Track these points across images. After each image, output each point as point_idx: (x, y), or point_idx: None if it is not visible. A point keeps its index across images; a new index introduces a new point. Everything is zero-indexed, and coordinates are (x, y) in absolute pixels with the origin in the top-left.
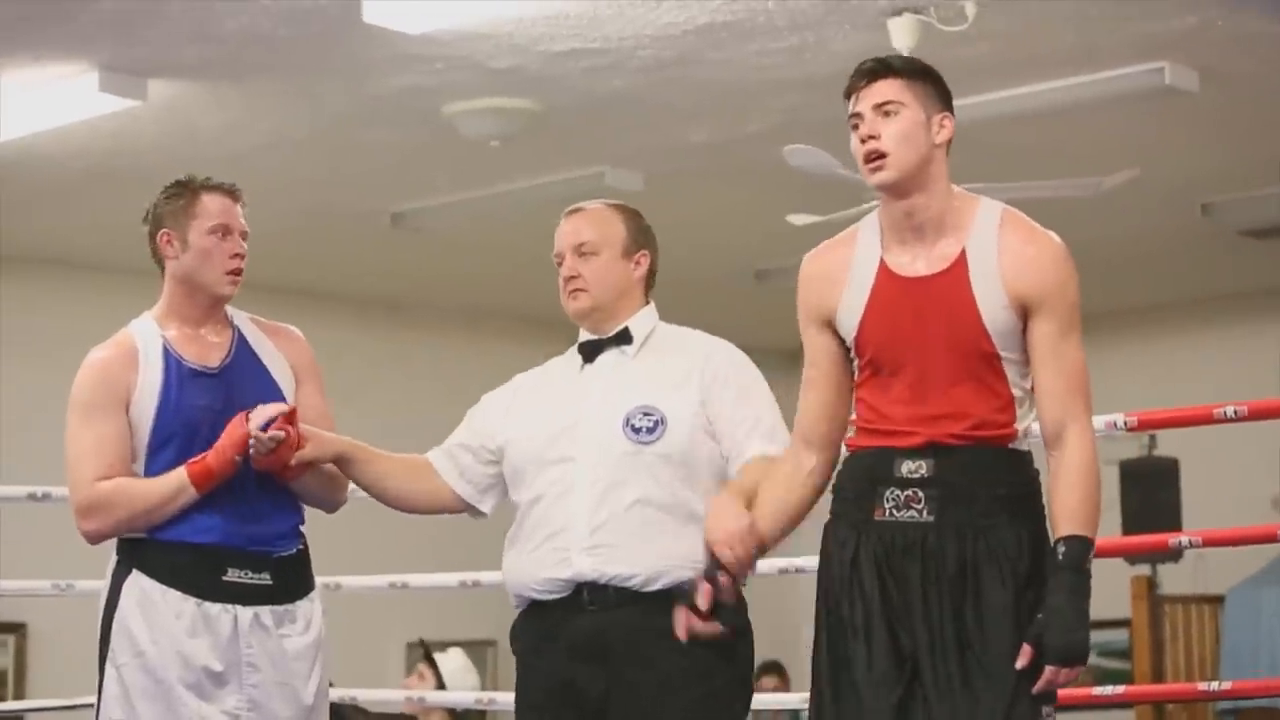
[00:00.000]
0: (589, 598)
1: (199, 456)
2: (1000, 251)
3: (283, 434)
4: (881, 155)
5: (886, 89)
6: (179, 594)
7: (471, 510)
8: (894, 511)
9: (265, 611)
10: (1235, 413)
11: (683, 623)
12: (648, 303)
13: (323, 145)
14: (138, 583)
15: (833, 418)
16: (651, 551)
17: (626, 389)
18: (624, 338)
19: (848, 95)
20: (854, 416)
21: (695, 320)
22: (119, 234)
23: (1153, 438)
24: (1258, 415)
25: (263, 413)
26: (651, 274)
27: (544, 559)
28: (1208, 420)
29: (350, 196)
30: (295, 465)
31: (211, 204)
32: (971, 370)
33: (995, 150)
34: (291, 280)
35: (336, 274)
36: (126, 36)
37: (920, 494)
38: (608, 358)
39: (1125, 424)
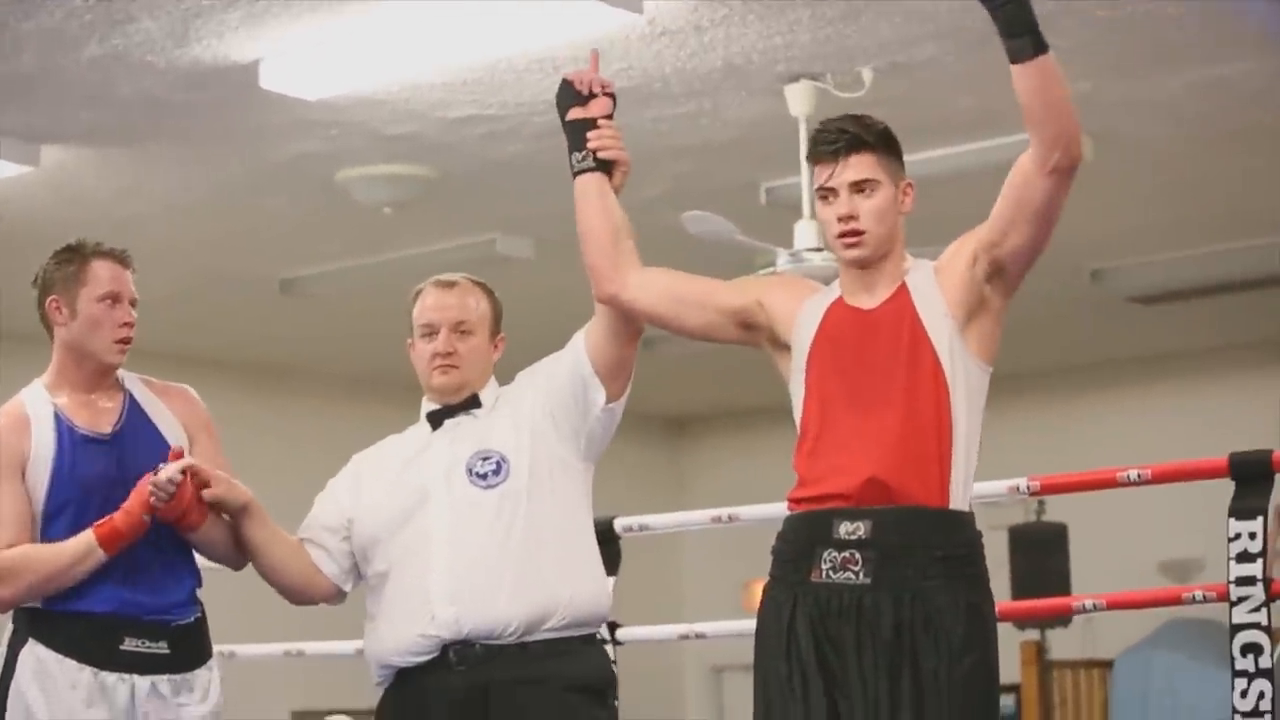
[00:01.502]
0: (455, 657)
1: (105, 519)
2: (936, 272)
3: (179, 475)
4: (859, 233)
5: (863, 166)
6: (75, 663)
7: (338, 594)
8: (831, 573)
9: (163, 681)
10: (1139, 476)
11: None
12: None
13: (215, 211)
14: (34, 652)
15: (664, 293)
16: (518, 599)
17: (469, 441)
18: (473, 403)
19: (815, 162)
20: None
21: None
22: (11, 299)
23: (1041, 503)
24: (1161, 479)
25: (167, 473)
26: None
27: (408, 620)
28: (1111, 484)
29: (241, 262)
30: (198, 512)
31: (101, 271)
32: (916, 400)
33: None
34: (180, 346)
35: (225, 340)
36: (20, 102)
37: (858, 555)
38: (455, 421)
39: (1028, 488)
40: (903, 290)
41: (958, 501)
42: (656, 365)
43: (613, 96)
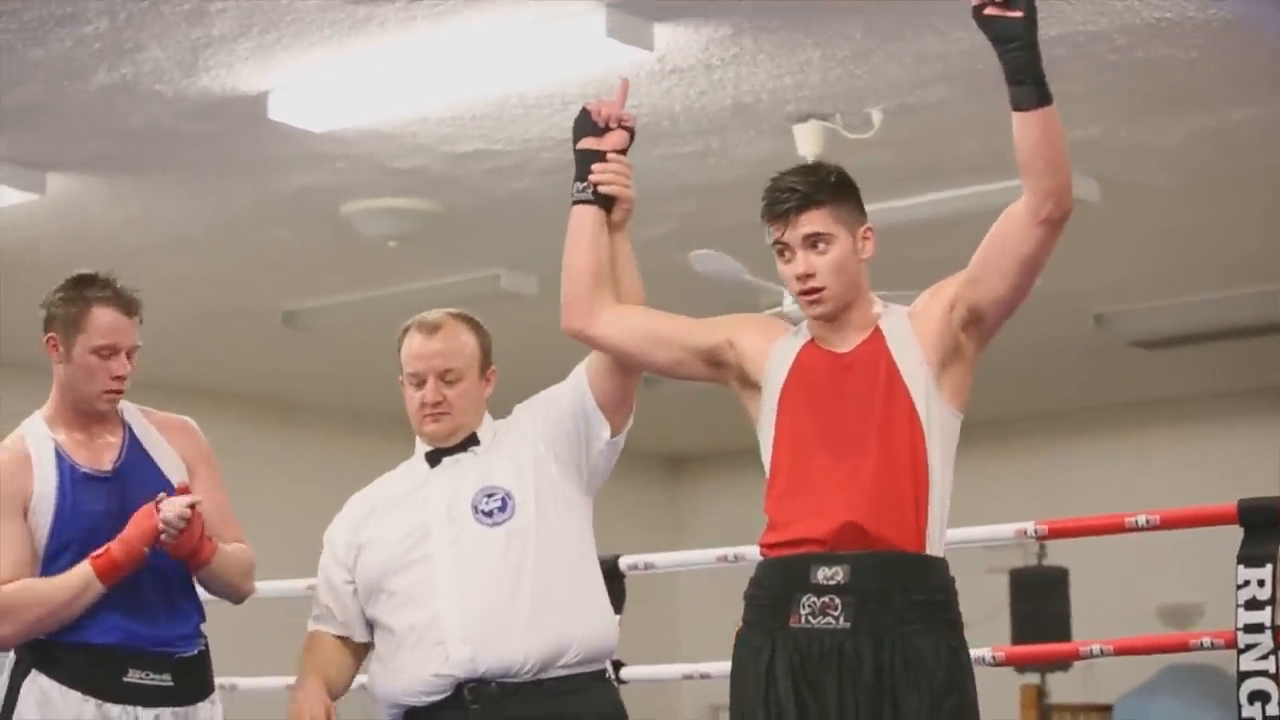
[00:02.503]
0: (470, 696)
1: (101, 550)
2: (910, 318)
3: (189, 511)
4: (818, 290)
5: (815, 220)
6: (79, 695)
7: (370, 650)
8: (810, 618)
9: (166, 713)
10: (1147, 521)
11: None
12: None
13: (220, 242)
14: (37, 682)
15: (634, 330)
16: (532, 636)
17: (471, 478)
18: (471, 441)
19: (768, 222)
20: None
21: None
22: (12, 328)
23: (1043, 547)
24: (1169, 524)
25: (173, 504)
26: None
27: (421, 659)
28: (1119, 529)
29: (244, 294)
30: (208, 547)
31: (102, 320)
32: (892, 444)
33: (898, 258)
34: (182, 377)
35: (228, 372)
36: (27, 129)
37: (837, 600)
38: (454, 459)
39: (1035, 532)
40: (877, 335)
41: (933, 547)
42: (655, 404)
43: (631, 131)
